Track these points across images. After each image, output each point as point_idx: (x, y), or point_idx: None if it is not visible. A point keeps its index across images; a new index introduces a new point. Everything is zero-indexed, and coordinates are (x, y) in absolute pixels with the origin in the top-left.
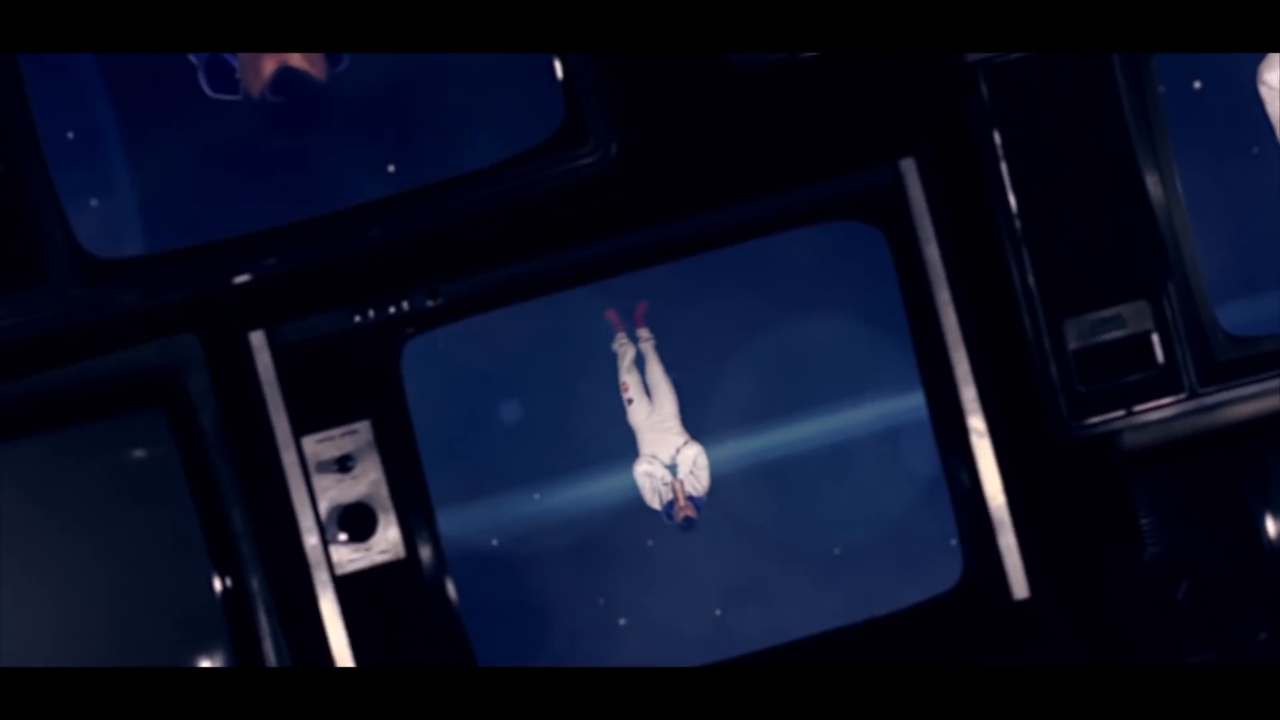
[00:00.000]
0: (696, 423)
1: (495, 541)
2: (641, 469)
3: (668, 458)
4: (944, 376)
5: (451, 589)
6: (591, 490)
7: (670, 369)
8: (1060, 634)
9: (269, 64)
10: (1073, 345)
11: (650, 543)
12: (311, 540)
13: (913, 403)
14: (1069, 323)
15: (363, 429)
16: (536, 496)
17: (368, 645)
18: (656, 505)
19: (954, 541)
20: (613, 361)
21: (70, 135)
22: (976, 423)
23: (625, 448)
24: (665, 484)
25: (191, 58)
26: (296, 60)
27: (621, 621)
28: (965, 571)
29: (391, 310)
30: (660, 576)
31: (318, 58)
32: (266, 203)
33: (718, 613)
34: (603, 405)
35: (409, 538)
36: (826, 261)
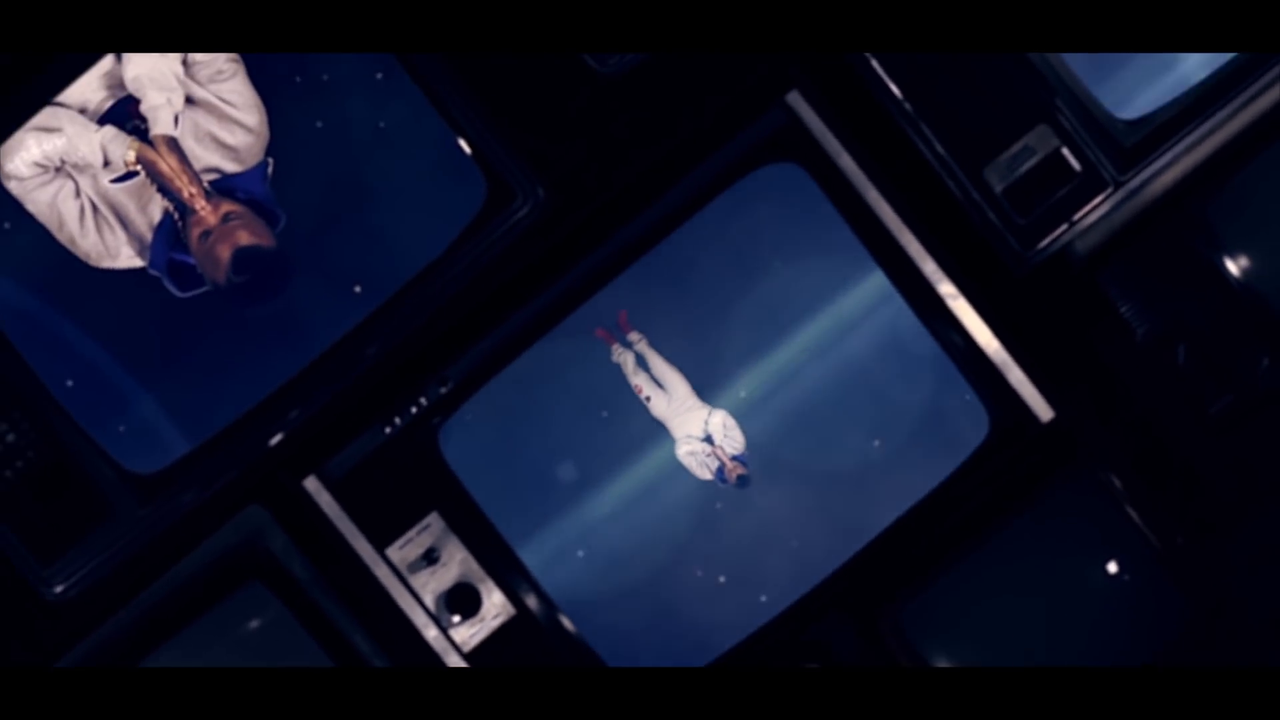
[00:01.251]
0: (710, 392)
1: (581, 553)
2: (683, 451)
3: (700, 432)
4: (902, 261)
5: (567, 620)
6: (646, 484)
7: (669, 357)
8: (1095, 436)
9: (223, 250)
10: (999, 188)
11: (718, 506)
12: (431, 633)
13: (888, 298)
14: (987, 170)
15: (433, 520)
16: (599, 504)
17: None
18: (709, 476)
19: (969, 397)
20: (618, 372)
21: (70, 383)
22: (946, 288)
23: (662, 439)
24: (708, 455)
25: (150, 270)
26: (245, 239)
27: (721, 579)
28: (991, 418)
29: (413, 410)
30: (738, 531)
31: (261, 228)
32: (269, 364)
33: (794, 544)
34: (626, 411)
35: (513, 595)
36: (764, 211)
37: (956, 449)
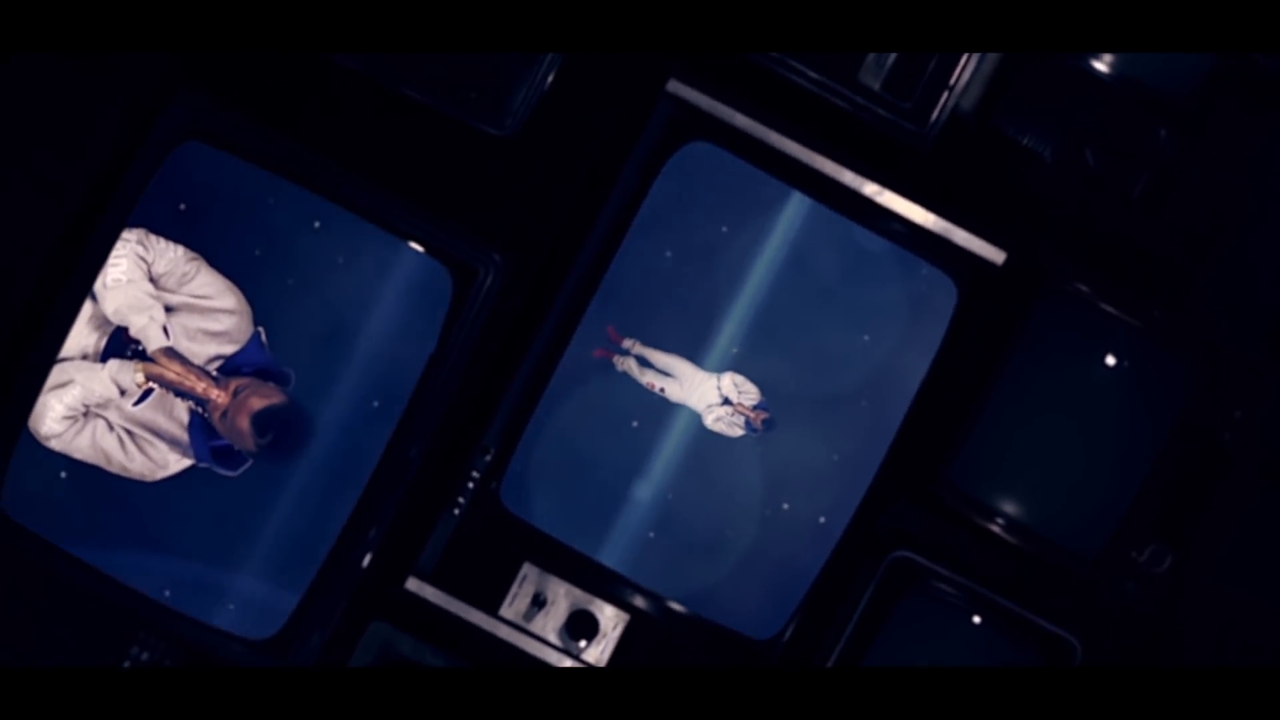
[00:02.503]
0: (710, 360)
1: (651, 534)
2: (710, 420)
3: (717, 398)
4: (824, 182)
5: (674, 603)
6: (688, 461)
7: (664, 348)
8: (1047, 257)
9: (241, 421)
10: (877, 85)
11: (759, 450)
12: (567, 663)
13: (827, 217)
14: (860, 74)
15: (527, 569)
16: (653, 490)
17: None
18: (740, 432)
19: (927, 271)
20: (629, 380)
21: (167, 593)
22: (870, 188)
23: (689, 418)
24: (732, 415)
25: (199, 464)
26: (256, 404)
27: (785, 506)
28: (955, 281)
29: (470, 485)
30: (782, 461)
31: (269, 389)
32: (333, 500)
33: (835, 457)
34: (650, 410)
35: (620, 602)
36: (694, 189)
37: (936, 318)
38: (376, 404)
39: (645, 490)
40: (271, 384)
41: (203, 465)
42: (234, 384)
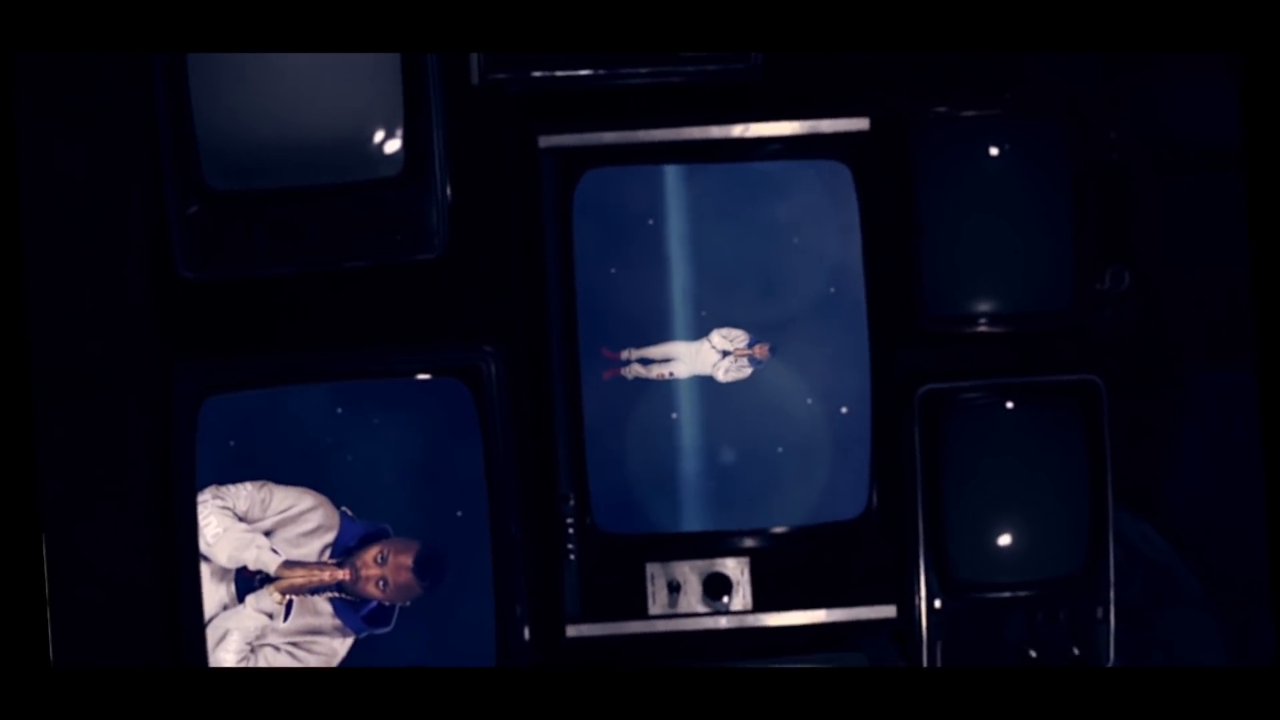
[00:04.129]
0: (690, 330)
1: (723, 487)
2: (721, 376)
3: (716, 356)
4: (701, 145)
5: (773, 529)
6: (720, 417)
7: (654, 341)
8: (904, 102)
9: (404, 576)
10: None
11: (770, 375)
12: (723, 622)
13: (720, 173)
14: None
15: (651, 568)
16: (704, 455)
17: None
18: (750, 370)
19: (813, 168)
20: (645, 383)
21: None
22: (737, 130)
23: (704, 384)
24: (735, 361)
25: (359, 636)
26: (406, 559)
27: (809, 400)
28: (843, 162)
29: (571, 531)
30: (791, 375)
31: (402, 542)
32: (470, 604)
33: (829, 350)
34: (675, 397)
35: (739, 551)
36: (606, 209)
37: (844, 197)
38: (460, 513)
39: (701, 458)
40: (400, 539)
41: (362, 636)
42: (366, 556)
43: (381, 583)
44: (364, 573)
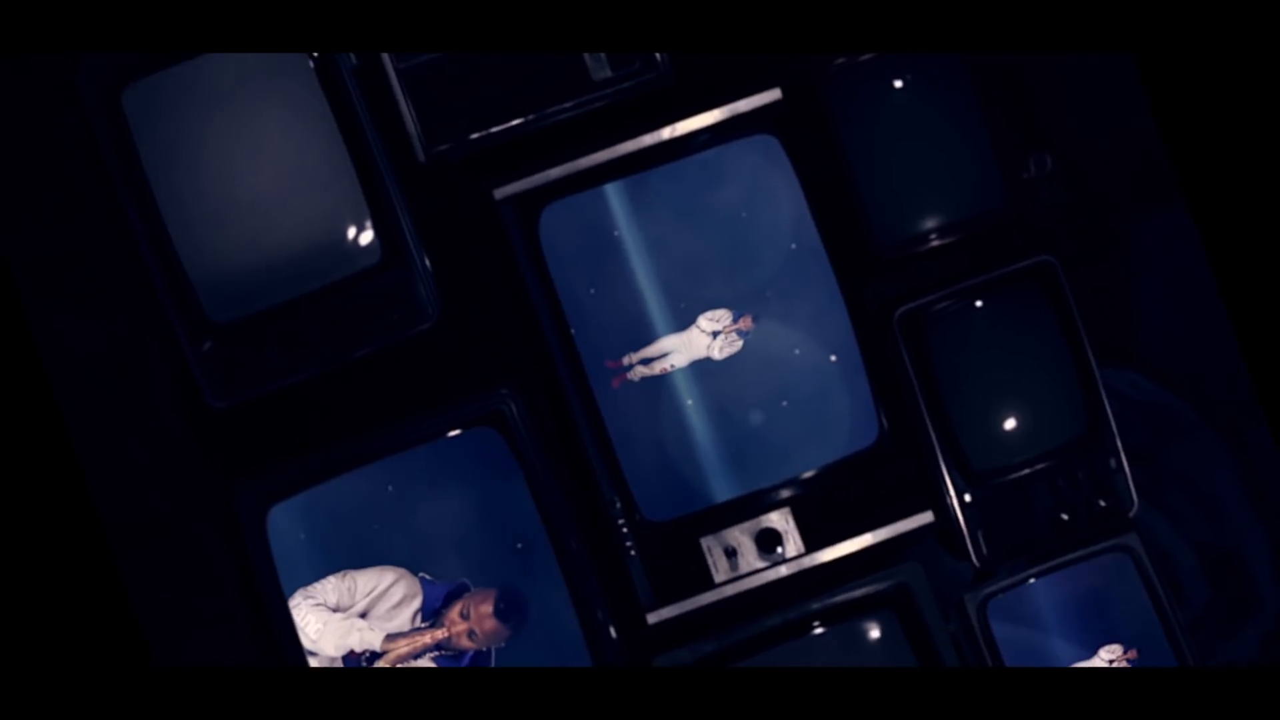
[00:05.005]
0: (673, 321)
1: (747, 449)
2: (716, 355)
3: (707, 339)
4: (637, 156)
5: (803, 474)
6: (722, 389)
7: (647, 341)
8: (804, 65)
9: (489, 624)
10: (609, 73)
11: (757, 342)
12: (784, 570)
13: (660, 175)
14: (593, 75)
15: (705, 541)
16: (727, 423)
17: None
18: (741, 343)
19: (742, 145)
20: (652, 381)
21: None
22: (665, 133)
23: (705, 366)
24: (724, 339)
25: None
26: (487, 607)
27: (796, 351)
28: (769, 133)
29: (624, 529)
30: (787, 325)
31: (482, 592)
32: (554, 625)
33: (808, 308)
34: (684, 386)
35: (779, 504)
36: (572, 238)
37: (779, 166)
38: (520, 545)
39: (722, 431)
40: (478, 590)
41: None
42: (451, 613)
43: (471, 634)
44: (453, 630)
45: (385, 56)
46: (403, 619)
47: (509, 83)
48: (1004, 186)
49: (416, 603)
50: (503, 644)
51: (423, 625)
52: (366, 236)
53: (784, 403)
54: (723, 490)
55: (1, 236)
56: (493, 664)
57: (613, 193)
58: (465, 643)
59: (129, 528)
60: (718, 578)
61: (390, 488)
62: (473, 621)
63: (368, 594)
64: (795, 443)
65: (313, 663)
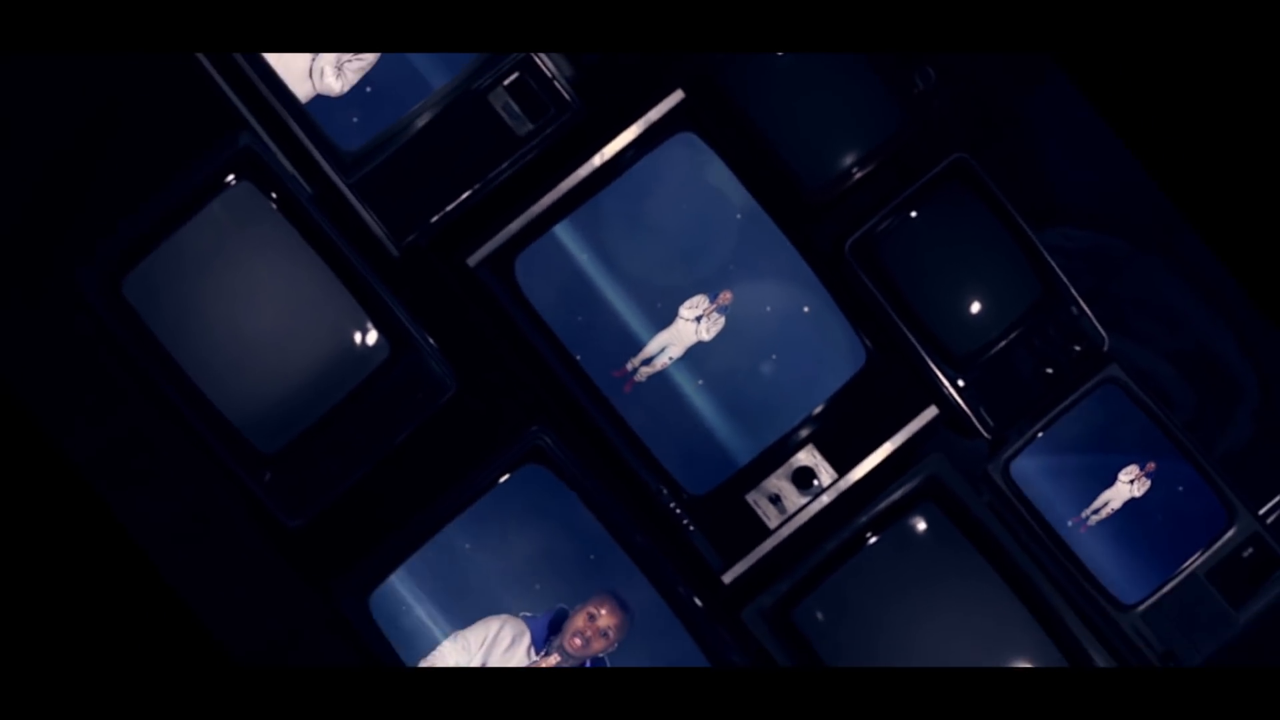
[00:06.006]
0: (656, 317)
1: (749, 406)
2: (705, 336)
3: (694, 325)
4: (579, 188)
5: (814, 410)
6: (722, 366)
7: (643, 342)
8: (703, 62)
9: (614, 615)
10: (531, 127)
11: (736, 313)
12: (825, 500)
13: (606, 195)
14: (517, 131)
15: (751, 495)
16: (731, 391)
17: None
18: (723, 319)
19: (665, 150)
20: (657, 377)
21: None
22: (596, 160)
23: (700, 350)
24: (709, 321)
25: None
26: (603, 605)
27: (768, 309)
28: (689, 130)
29: (677, 511)
30: (757, 288)
31: (598, 598)
32: (647, 609)
33: (786, 268)
34: (688, 369)
35: (803, 443)
36: (549, 277)
37: (707, 161)
38: (593, 556)
39: (732, 399)
40: (591, 600)
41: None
42: (577, 624)
43: (604, 634)
44: (583, 639)
45: (333, 175)
46: (519, 657)
47: (447, 163)
48: (899, 108)
49: (526, 639)
50: (625, 634)
51: (539, 656)
52: (372, 336)
53: (773, 355)
54: (749, 448)
55: (64, 441)
56: (607, 664)
57: (569, 227)
58: (597, 646)
59: (257, 653)
60: (771, 524)
61: (467, 545)
62: (601, 621)
63: (481, 646)
64: (798, 386)
65: None
